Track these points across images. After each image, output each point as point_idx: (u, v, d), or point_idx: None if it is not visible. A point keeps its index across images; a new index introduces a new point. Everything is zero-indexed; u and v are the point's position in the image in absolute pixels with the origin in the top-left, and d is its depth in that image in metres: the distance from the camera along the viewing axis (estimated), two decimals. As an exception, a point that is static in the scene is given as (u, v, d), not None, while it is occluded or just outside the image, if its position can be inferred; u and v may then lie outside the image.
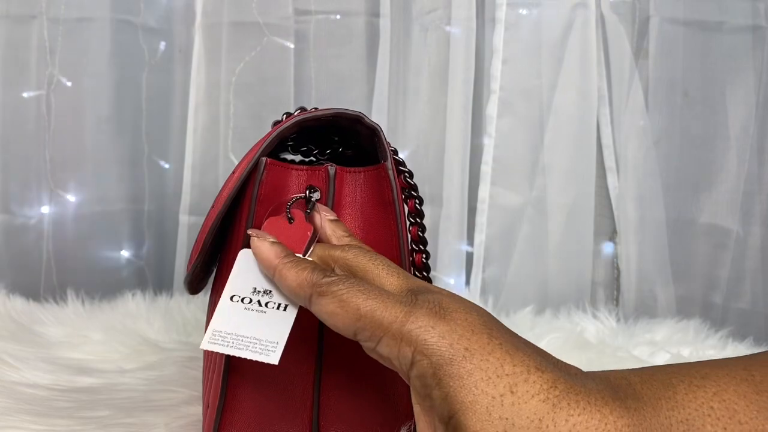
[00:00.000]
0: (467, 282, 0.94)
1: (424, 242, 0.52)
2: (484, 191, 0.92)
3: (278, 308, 0.43)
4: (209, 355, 0.52)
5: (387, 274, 0.40)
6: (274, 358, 0.41)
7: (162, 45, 0.96)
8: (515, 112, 0.91)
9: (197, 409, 0.58)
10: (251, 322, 0.42)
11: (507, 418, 0.32)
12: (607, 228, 0.95)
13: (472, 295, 0.92)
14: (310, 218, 0.45)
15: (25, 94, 0.92)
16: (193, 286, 0.54)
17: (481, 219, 0.92)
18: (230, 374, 0.47)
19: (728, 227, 0.89)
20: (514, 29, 0.91)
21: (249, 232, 0.44)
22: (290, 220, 0.45)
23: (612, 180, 0.93)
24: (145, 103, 0.96)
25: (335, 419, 0.47)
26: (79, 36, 0.93)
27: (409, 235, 0.51)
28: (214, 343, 0.42)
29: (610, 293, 0.95)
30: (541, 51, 0.91)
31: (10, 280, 0.90)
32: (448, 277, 0.93)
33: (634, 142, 0.91)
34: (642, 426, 0.32)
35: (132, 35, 0.95)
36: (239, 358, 0.46)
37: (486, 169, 0.92)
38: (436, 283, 0.52)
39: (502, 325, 0.36)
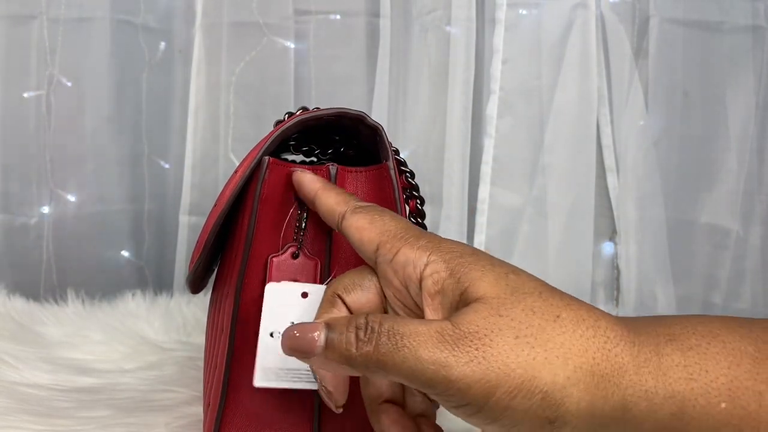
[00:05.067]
0: (467, 282, 0.94)
1: (426, 242, 0.52)
2: (484, 191, 0.92)
3: None
4: (210, 355, 0.52)
5: None
6: None
7: (162, 45, 0.96)
8: (515, 112, 0.91)
9: (197, 409, 0.58)
10: None
11: (514, 287, 0.36)
12: (607, 228, 0.95)
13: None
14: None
15: (25, 94, 0.92)
16: (195, 285, 0.54)
17: (481, 219, 0.92)
18: (231, 373, 0.47)
19: (728, 227, 0.89)
20: (514, 29, 0.90)
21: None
22: (295, 255, 0.46)
23: (612, 180, 0.93)
24: (145, 103, 0.96)
25: (336, 419, 0.47)
26: (79, 36, 0.92)
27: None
28: (266, 380, 0.44)
29: (610, 293, 0.95)
30: (541, 51, 0.91)
31: (10, 280, 0.89)
32: (448, 277, 0.93)
33: (634, 142, 0.91)
34: (632, 330, 0.36)
35: (132, 35, 0.94)
36: (240, 355, 0.47)
37: (486, 169, 0.92)
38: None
39: None
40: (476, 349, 0.34)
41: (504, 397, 0.33)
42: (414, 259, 0.39)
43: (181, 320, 0.81)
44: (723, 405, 0.34)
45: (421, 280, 0.38)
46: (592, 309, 0.36)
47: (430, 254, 0.39)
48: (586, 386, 0.34)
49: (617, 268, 0.94)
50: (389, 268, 0.40)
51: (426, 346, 0.34)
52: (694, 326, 0.37)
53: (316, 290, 0.45)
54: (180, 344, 0.75)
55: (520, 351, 0.34)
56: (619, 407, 0.34)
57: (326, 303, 0.41)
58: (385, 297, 0.41)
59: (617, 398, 0.34)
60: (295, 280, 0.46)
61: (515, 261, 0.93)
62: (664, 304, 0.91)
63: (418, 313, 0.40)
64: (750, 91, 0.87)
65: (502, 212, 0.93)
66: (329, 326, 0.37)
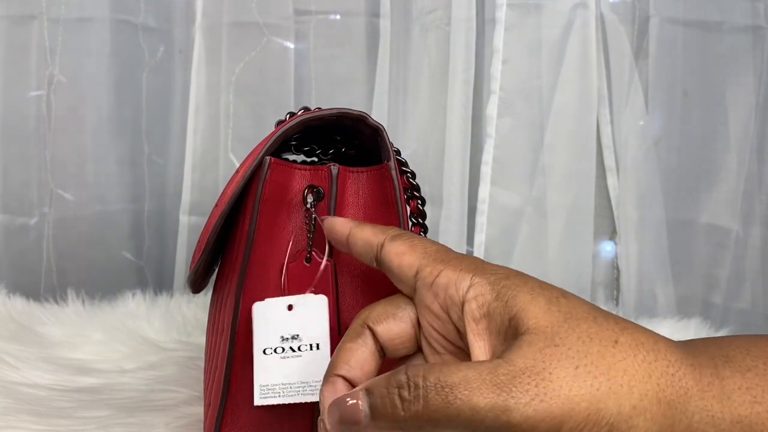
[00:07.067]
0: (467, 282, 0.94)
1: (426, 242, 0.52)
2: (484, 191, 0.92)
3: (311, 348, 0.45)
4: (211, 355, 0.52)
5: None
6: None
7: (162, 45, 0.96)
8: (515, 112, 0.91)
9: (198, 409, 0.58)
10: (293, 369, 0.45)
11: (567, 312, 0.35)
12: (607, 228, 0.95)
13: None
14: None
15: (25, 94, 0.92)
16: (196, 284, 0.54)
17: (481, 219, 0.92)
18: (232, 373, 0.47)
19: (728, 227, 0.89)
20: (514, 29, 0.90)
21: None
22: (308, 260, 0.46)
23: (612, 180, 0.93)
24: (145, 103, 0.96)
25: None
26: (79, 36, 0.92)
27: (411, 235, 0.51)
28: (266, 398, 0.45)
29: (610, 293, 0.95)
30: (541, 51, 0.91)
31: (11, 280, 0.89)
32: (448, 277, 0.93)
33: (634, 142, 0.91)
34: (689, 353, 0.35)
35: (132, 35, 0.94)
36: (241, 356, 0.47)
37: (486, 169, 0.92)
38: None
39: None
40: (536, 386, 0.32)
41: None
42: (456, 281, 0.37)
43: (181, 320, 0.81)
44: None
45: (463, 303, 0.37)
46: (648, 331, 0.35)
47: (473, 276, 0.37)
48: (652, 415, 0.32)
49: (617, 268, 0.94)
50: (429, 292, 0.38)
51: (480, 392, 0.32)
52: (747, 347, 0.36)
53: (301, 301, 0.45)
54: (180, 344, 0.75)
55: (582, 382, 0.32)
56: None
57: (352, 333, 0.40)
58: (419, 329, 0.40)
59: (684, 426, 0.33)
60: (308, 285, 0.46)
61: (515, 261, 0.93)
62: (664, 304, 0.91)
63: (456, 344, 0.38)
64: (750, 91, 0.87)
65: (502, 212, 0.93)
66: (368, 390, 0.34)
